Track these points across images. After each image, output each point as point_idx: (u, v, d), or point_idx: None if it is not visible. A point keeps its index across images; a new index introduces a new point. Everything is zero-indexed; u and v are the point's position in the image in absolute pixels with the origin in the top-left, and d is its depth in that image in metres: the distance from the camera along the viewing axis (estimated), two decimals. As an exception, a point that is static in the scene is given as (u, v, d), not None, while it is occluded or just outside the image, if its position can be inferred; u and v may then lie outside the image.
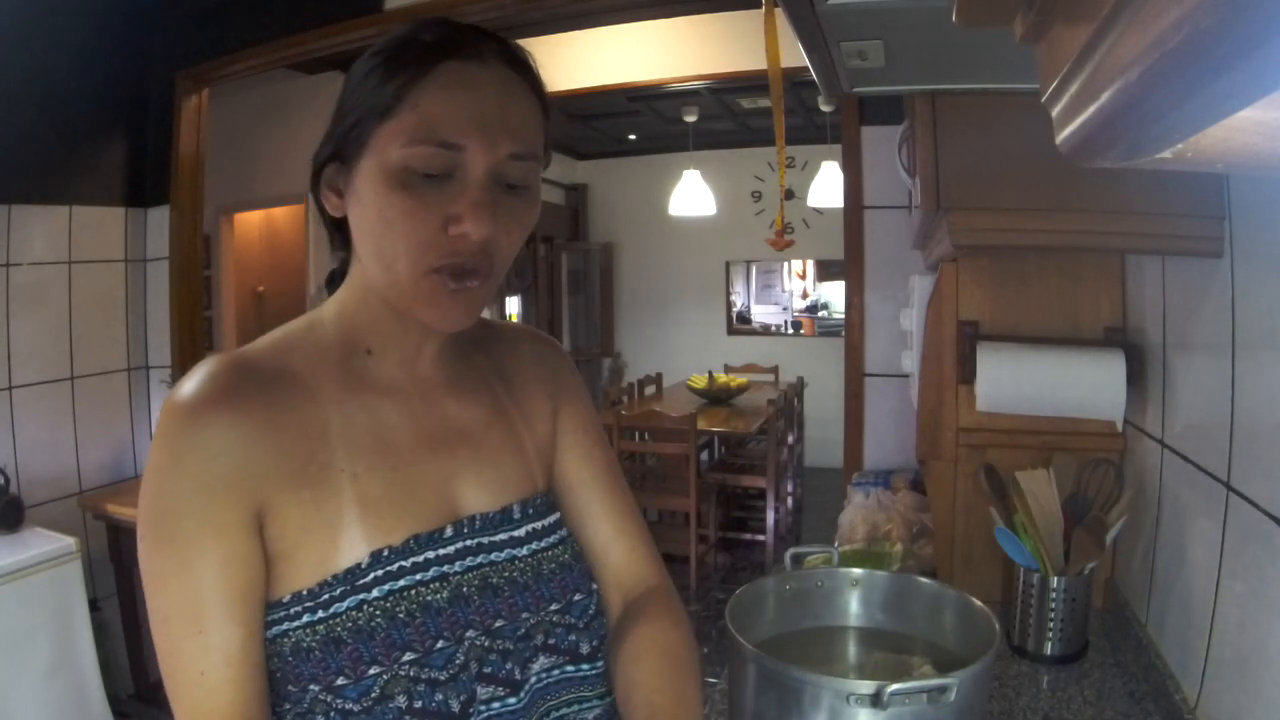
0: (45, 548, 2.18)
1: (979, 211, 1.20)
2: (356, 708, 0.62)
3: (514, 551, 0.73)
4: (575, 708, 0.74)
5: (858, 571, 1.10)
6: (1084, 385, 1.33)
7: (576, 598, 0.75)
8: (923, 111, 1.23)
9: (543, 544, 0.75)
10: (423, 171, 0.63)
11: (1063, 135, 0.42)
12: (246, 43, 2.89)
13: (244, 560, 0.62)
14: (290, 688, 0.64)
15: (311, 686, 0.63)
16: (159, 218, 3.07)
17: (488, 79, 0.65)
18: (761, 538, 4.43)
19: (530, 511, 0.76)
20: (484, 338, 0.82)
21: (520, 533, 0.74)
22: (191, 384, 0.64)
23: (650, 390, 5.56)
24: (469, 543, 0.71)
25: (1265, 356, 0.88)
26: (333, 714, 0.62)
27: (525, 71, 0.68)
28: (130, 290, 3.08)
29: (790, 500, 4.90)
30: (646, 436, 4.53)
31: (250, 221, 5.21)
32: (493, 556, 0.71)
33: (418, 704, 0.63)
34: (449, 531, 0.69)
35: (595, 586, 0.77)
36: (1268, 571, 0.85)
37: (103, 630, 2.65)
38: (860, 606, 1.09)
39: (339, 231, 0.73)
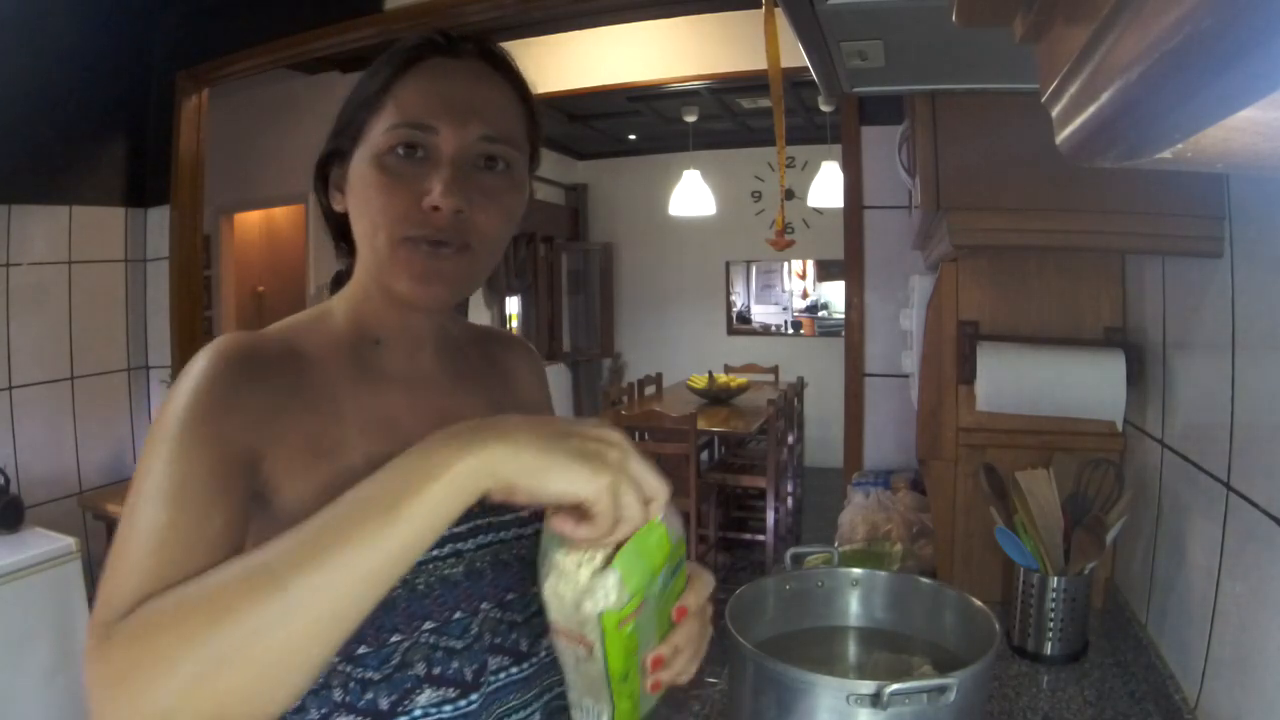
0: (45, 548, 2.18)
1: (979, 211, 1.20)
2: (376, 675, 0.63)
3: (521, 530, 0.75)
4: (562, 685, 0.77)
5: (858, 571, 1.10)
6: (1084, 385, 1.33)
7: None
8: (923, 111, 1.23)
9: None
10: (401, 153, 0.68)
11: (1063, 135, 0.42)
12: (246, 43, 2.89)
13: (237, 496, 0.61)
14: None
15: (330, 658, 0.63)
16: (159, 218, 3.07)
17: (460, 69, 0.71)
18: (761, 538, 4.43)
19: None
20: (479, 338, 0.86)
21: (525, 513, 0.76)
22: (212, 350, 0.64)
23: (650, 390, 5.56)
24: (479, 522, 0.72)
25: (1265, 356, 0.88)
26: (351, 684, 0.63)
27: (501, 65, 0.74)
28: (130, 290, 3.08)
29: (790, 500, 4.90)
30: (646, 436, 4.52)
31: (250, 221, 5.21)
32: (502, 535, 0.74)
33: (435, 670, 0.65)
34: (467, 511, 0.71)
35: None
36: (1268, 571, 0.85)
37: (103, 630, 2.65)
38: (860, 606, 1.09)
39: (343, 237, 0.77)
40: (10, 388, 2.66)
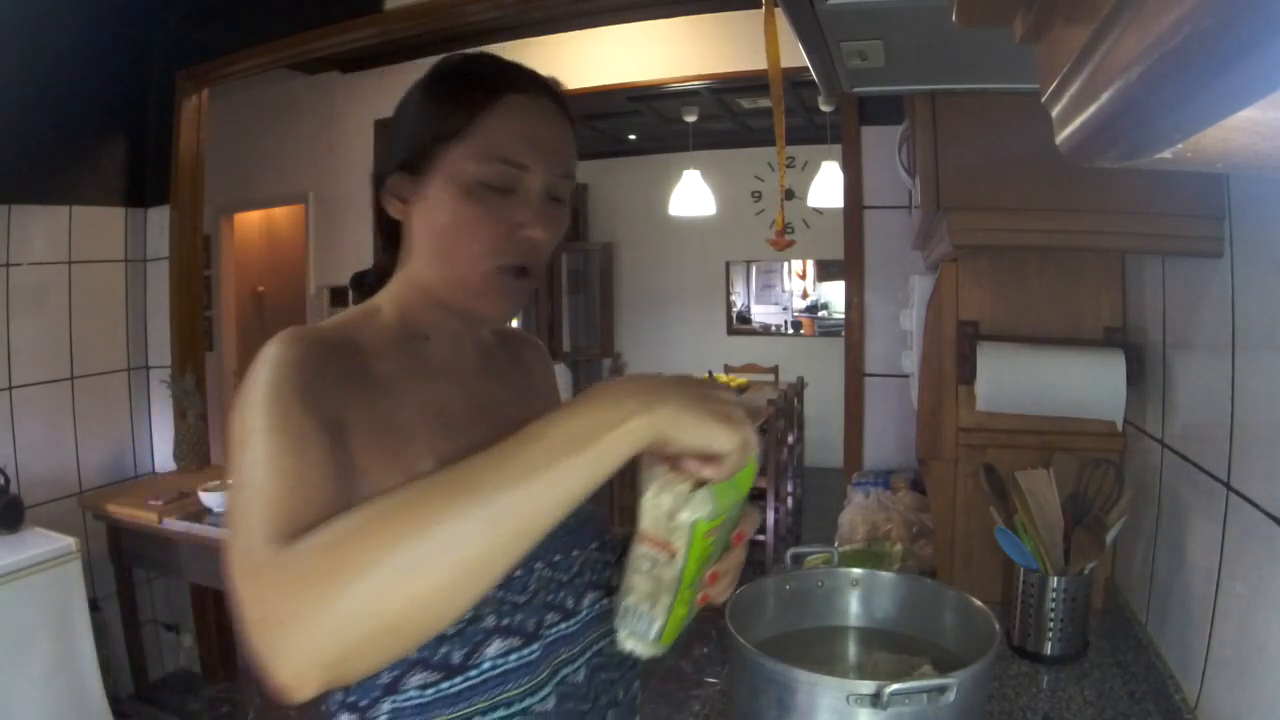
0: (45, 548, 2.18)
1: (979, 211, 1.20)
2: (451, 630, 0.69)
3: None
4: (610, 639, 0.83)
5: (858, 571, 1.10)
6: (1084, 385, 1.33)
7: (608, 537, 0.87)
8: (923, 111, 1.23)
9: None
10: (492, 185, 0.74)
11: (1063, 135, 0.42)
12: (246, 43, 2.89)
13: (344, 454, 0.66)
14: None
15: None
16: (159, 218, 3.07)
17: (538, 108, 0.78)
18: (761, 538, 4.43)
19: None
20: (500, 336, 0.94)
21: None
22: (283, 338, 0.69)
23: (650, 390, 5.54)
24: None
25: (1265, 356, 0.88)
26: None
27: (564, 105, 0.81)
28: (130, 290, 3.08)
29: (790, 500, 4.89)
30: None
31: (250, 221, 5.21)
32: None
33: (504, 622, 0.72)
34: None
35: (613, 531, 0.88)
36: (1267, 571, 0.85)
37: (103, 630, 2.65)
38: (860, 606, 1.09)
39: (389, 236, 0.84)
40: (10, 388, 2.66)
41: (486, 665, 0.71)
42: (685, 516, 0.63)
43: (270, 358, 0.67)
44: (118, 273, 3.04)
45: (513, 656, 0.72)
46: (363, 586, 0.51)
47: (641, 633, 0.68)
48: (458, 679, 0.70)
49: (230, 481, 0.64)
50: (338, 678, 0.52)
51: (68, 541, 2.23)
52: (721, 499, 0.64)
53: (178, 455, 3.01)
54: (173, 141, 3.01)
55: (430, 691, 0.69)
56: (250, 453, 0.62)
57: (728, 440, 0.61)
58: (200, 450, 3.04)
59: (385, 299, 0.81)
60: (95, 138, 2.94)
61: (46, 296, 2.78)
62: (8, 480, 2.38)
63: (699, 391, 0.62)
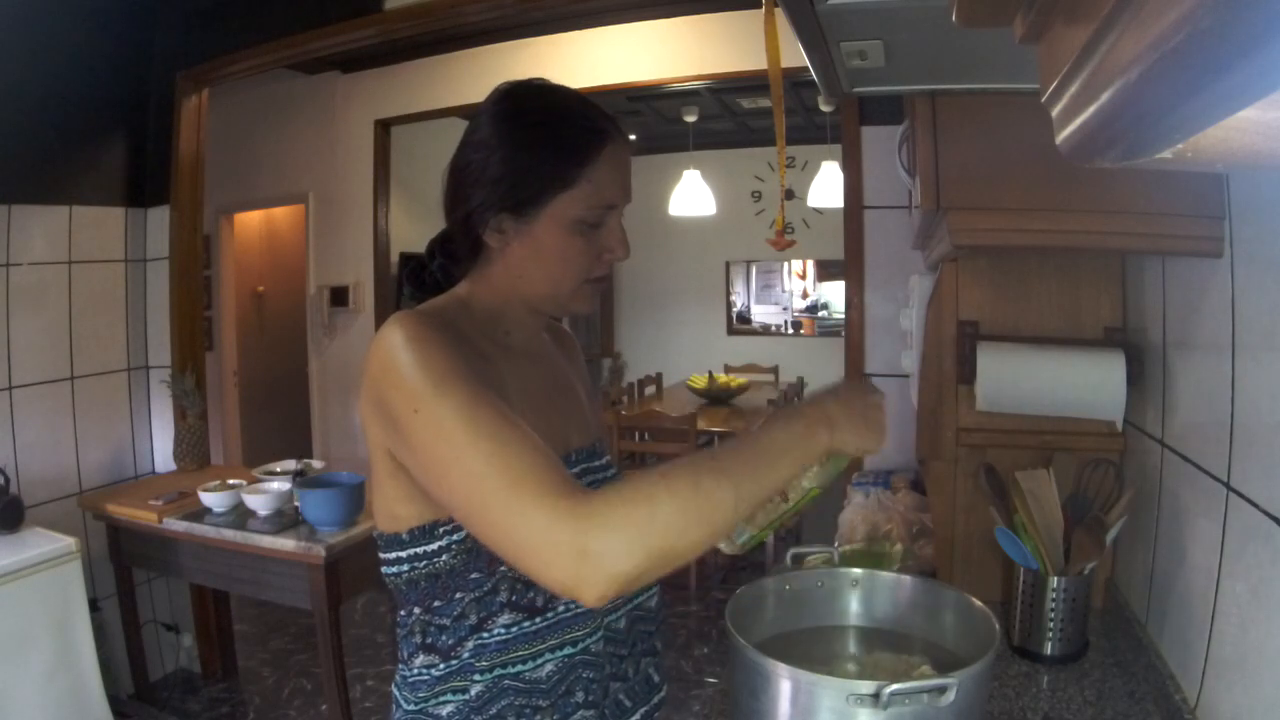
0: (45, 548, 2.18)
1: (979, 211, 1.19)
2: None
3: (605, 474, 1.01)
4: (644, 594, 0.99)
5: (858, 571, 1.10)
6: (1084, 385, 1.33)
7: None
8: (923, 111, 1.22)
9: (615, 469, 1.05)
10: (589, 223, 0.89)
11: (1063, 135, 0.42)
12: (246, 43, 2.89)
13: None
14: (474, 575, 0.84)
15: (501, 567, 0.83)
16: (159, 218, 3.07)
17: (624, 153, 0.92)
18: (761, 538, 4.43)
19: (603, 447, 1.06)
20: (547, 326, 1.08)
21: (601, 462, 1.02)
22: (406, 320, 0.80)
23: (650, 390, 5.56)
24: (582, 466, 0.97)
25: (1265, 356, 0.88)
26: (517, 585, 0.84)
27: (628, 139, 0.94)
28: (130, 290, 3.08)
29: (790, 500, 4.89)
30: (646, 436, 4.53)
31: (250, 221, 5.21)
32: (597, 476, 1.00)
33: None
34: (573, 457, 0.97)
35: None
36: (1268, 571, 0.85)
37: (103, 630, 2.65)
38: (860, 606, 1.09)
39: (472, 251, 0.95)
40: (10, 388, 2.66)
41: (561, 609, 0.86)
42: (806, 482, 0.85)
43: (409, 338, 0.79)
44: (118, 273, 3.03)
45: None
46: (663, 532, 0.68)
47: (733, 536, 0.87)
48: (538, 619, 0.85)
49: (426, 457, 0.76)
50: (626, 590, 0.68)
51: (68, 541, 2.23)
52: (832, 473, 0.86)
53: (178, 455, 3.01)
54: (173, 141, 3.01)
55: (514, 630, 0.84)
56: (456, 432, 0.74)
57: (875, 446, 0.83)
58: (200, 450, 3.04)
59: (470, 296, 0.95)
60: (95, 138, 2.94)
61: (46, 296, 2.78)
62: (8, 480, 2.38)
63: (863, 412, 0.83)
